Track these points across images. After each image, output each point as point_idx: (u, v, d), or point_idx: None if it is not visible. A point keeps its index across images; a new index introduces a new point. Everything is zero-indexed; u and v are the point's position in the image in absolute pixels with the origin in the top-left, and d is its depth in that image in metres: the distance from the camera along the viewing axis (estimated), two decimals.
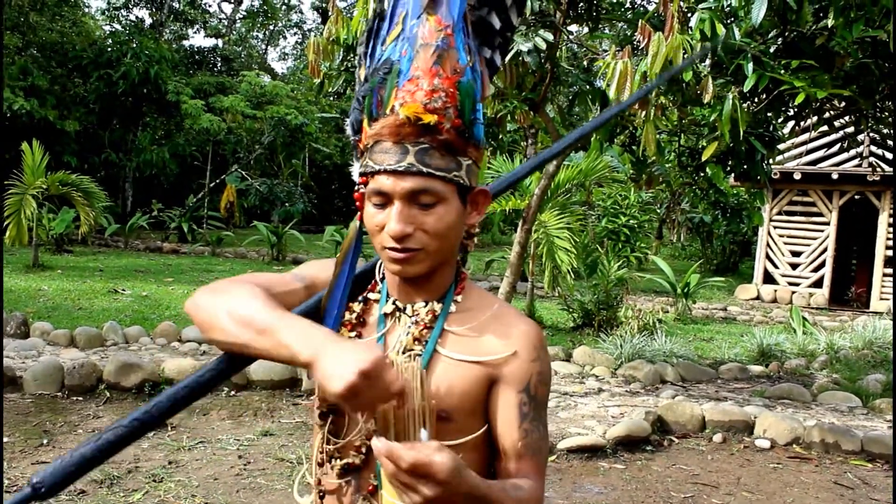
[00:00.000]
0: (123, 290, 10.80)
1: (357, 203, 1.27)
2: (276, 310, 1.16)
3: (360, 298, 1.35)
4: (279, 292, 1.30)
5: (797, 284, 15.04)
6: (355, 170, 1.29)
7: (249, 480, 4.40)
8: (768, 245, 15.37)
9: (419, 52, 1.20)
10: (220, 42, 30.04)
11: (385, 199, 1.21)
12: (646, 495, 4.58)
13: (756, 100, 5.30)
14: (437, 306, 1.29)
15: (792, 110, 5.71)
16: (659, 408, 5.95)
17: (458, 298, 1.32)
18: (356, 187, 1.27)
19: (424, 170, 1.18)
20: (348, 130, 1.31)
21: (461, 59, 1.22)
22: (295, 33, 36.43)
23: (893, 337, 8.76)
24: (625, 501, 4.47)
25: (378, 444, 1.04)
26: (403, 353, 1.25)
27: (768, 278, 15.41)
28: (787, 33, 4.70)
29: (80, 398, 5.63)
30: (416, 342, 1.27)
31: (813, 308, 14.27)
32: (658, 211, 19.20)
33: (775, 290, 15.13)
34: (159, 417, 1.18)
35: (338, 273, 1.30)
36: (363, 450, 1.26)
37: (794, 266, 15.13)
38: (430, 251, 1.22)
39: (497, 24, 1.37)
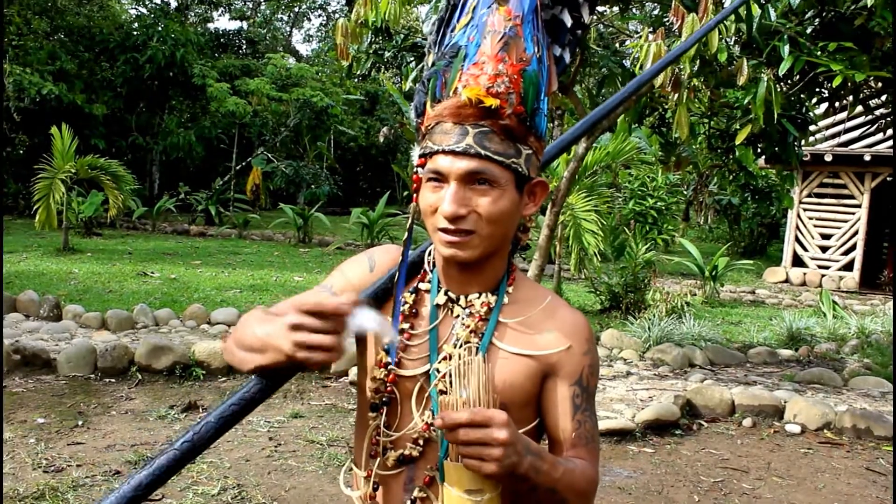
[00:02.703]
0: (152, 272, 10.91)
1: (414, 185, 1.27)
2: (265, 323, 1.17)
3: (411, 289, 1.34)
4: None
5: (827, 267, 14.85)
6: (415, 153, 1.29)
7: (280, 462, 4.44)
8: (798, 227, 15.18)
9: (486, 39, 1.21)
10: (244, 25, 30.08)
11: (442, 180, 1.21)
12: (675, 479, 4.57)
13: (790, 81, 5.21)
14: (492, 298, 1.29)
15: (827, 91, 5.60)
16: (688, 392, 5.92)
17: (510, 290, 1.31)
18: (415, 169, 1.27)
19: (482, 152, 1.18)
20: (411, 113, 1.31)
21: (528, 49, 1.22)
22: (319, 15, 36.34)
23: (894, 333, 8.63)
24: (654, 485, 4.46)
25: (437, 420, 1.10)
26: (462, 346, 1.25)
27: (797, 261, 15.23)
28: (824, 13, 4.61)
29: (113, 380, 5.71)
30: (473, 334, 1.26)
31: (843, 291, 14.10)
32: (685, 193, 19.04)
33: (804, 274, 14.96)
34: (210, 438, 1.18)
35: (401, 260, 1.33)
36: (420, 442, 1.26)
37: (824, 249, 14.93)
38: (483, 235, 1.22)
39: (569, 21, 1.36)
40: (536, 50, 1.24)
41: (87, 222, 14.77)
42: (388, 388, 1.28)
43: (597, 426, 1.32)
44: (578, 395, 1.28)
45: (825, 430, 5.51)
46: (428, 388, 1.25)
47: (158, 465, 1.15)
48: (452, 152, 1.19)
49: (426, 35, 5.56)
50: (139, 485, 1.13)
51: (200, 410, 5.20)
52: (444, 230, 1.21)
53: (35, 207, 11.77)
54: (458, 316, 1.29)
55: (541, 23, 1.27)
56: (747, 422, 5.62)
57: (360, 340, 1.37)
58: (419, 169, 1.26)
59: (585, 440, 1.28)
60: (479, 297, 1.29)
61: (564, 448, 1.28)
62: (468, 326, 1.27)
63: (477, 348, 1.24)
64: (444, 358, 1.25)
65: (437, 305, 1.31)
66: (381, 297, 1.33)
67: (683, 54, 4.06)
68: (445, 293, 1.31)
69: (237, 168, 20.98)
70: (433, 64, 1.28)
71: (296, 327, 1.07)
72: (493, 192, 1.20)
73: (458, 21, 1.28)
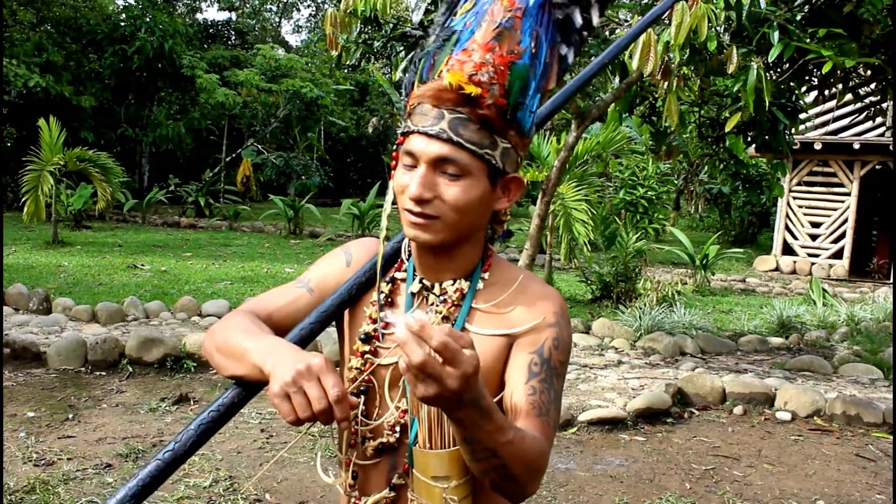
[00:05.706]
0: (142, 265, 10.87)
1: (393, 163, 1.27)
2: (250, 335, 1.19)
3: (387, 279, 1.35)
4: (280, 306, 1.34)
5: (817, 256, 14.91)
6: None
7: (272, 454, 4.43)
8: (788, 216, 15.23)
9: (481, 26, 1.20)
10: (233, 15, 29.92)
11: (414, 161, 1.21)
12: (667, 467, 4.58)
13: (779, 69, 5.21)
14: (465, 284, 1.29)
15: (816, 79, 5.61)
16: (679, 380, 5.94)
17: (486, 276, 1.31)
18: (395, 146, 1.27)
19: (455, 138, 1.17)
20: (402, 91, 1.31)
21: (523, 42, 1.20)
22: (308, 5, 36.09)
23: (893, 328, 8.67)
24: (646, 473, 4.47)
25: (410, 322, 0.94)
26: None
27: (787, 249, 15.28)
28: (813, 0, 4.61)
29: (104, 373, 5.69)
30: (445, 321, 1.27)
31: (833, 279, 14.16)
32: (676, 182, 19.05)
33: (794, 262, 15.01)
34: (192, 445, 1.19)
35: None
36: (397, 429, 1.27)
37: (814, 237, 14.99)
38: (448, 222, 1.21)
39: (579, 21, 1.34)
40: (533, 45, 1.21)
41: (77, 215, 14.70)
42: (366, 378, 1.29)
43: (555, 404, 1.23)
44: (536, 363, 1.22)
45: (815, 417, 5.54)
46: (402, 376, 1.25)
47: (142, 475, 1.16)
48: (426, 134, 1.18)
49: (416, 25, 5.53)
50: (125, 496, 1.14)
51: (192, 403, 5.19)
52: (409, 211, 1.21)
53: (23, 200, 11.71)
54: (432, 303, 1.29)
55: (547, 18, 1.25)
56: (738, 409, 5.64)
57: (340, 331, 1.39)
58: (399, 146, 1.25)
59: (538, 411, 1.18)
60: (452, 284, 1.29)
61: (515, 418, 1.18)
62: (440, 312, 1.27)
63: None
64: None
65: (412, 293, 1.32)
66: (355, 294, 1.33)
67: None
68: (420, 281, 1.31)
69: (227, 160, 20.90)
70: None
71: (300, 378, 1.06)
72: (463, 181, 1.19)
73: (461, 6, 1.28)
